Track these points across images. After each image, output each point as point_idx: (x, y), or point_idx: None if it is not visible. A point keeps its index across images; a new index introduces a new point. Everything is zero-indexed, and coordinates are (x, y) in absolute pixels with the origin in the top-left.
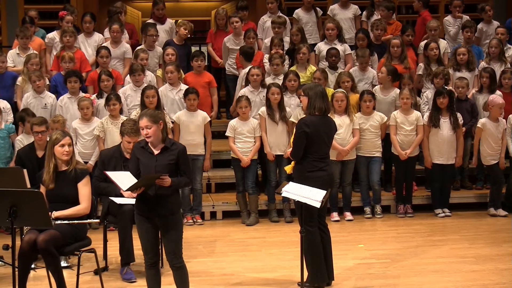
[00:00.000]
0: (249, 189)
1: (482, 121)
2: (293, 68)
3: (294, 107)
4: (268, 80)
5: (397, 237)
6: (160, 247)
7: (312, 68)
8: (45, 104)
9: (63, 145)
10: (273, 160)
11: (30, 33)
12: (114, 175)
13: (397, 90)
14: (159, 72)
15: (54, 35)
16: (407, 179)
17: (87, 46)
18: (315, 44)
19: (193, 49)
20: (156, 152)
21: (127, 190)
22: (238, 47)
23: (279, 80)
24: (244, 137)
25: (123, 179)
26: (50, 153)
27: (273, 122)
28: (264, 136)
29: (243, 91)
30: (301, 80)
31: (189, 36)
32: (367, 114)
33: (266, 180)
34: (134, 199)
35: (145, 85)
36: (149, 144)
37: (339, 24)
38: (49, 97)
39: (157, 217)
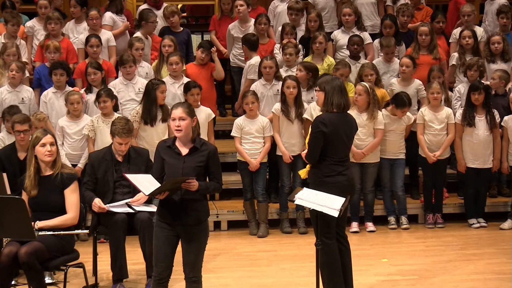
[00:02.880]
0: (259, 196)
1: (505, 118)
2: (308, 59)
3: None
4: (282, 72)
5: (425, 250)
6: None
7: (329, 59)
8: (22, 98)
9: (44, 145)
10: (290, 162)
11: (21, 20)
12: (135, 179)
13: (418, 81)
14: (154, 64)
15: (33, 23)
16: (437, 185)
17: (76, 34)
18: (331, 33)
19: (194, 37)
20: (184, 152)
21: (150, 195)
22: None
23: (293, 72)
24: (252, 137)
25: (145, 182)
26: (31, 155)
27: (288, 119)
28: (277, 135)
29: (254, 84)
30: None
31: (183, 15)
32: (394, 114)
33: (275, 185)
34: (130, 209)
35: (138, 77)
36: (177, 143)
37: (357, 10)
38: (26, 90)
39: (180, 225)
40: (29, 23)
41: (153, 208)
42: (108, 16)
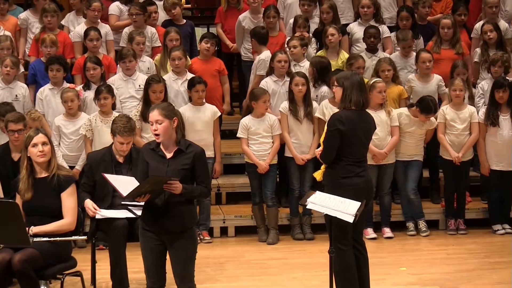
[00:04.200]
0: (268, 200)
1: None
2: (321, 52)
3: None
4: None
5: (446, 258)
6: (166, 270)
7: (344, 55)
8: (16, 95)
9: (35, 145)
10: (303, 164)
11: (5, 10)
12: (115, 180)
13: (438, 77)
14: (157, 58)
15: (27, 14)
16: (459, 188)
17: (76, 26)
18: (347, 25)
19: (198, 30)
20: (168, 155)
21: (128, 196)
22: None
23: (301, 68)
24: (259, 138)
25: (126, 184)
26: (24, 156)
27: (296, 119)
28: (287, 136)
29: (264, 81)
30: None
31: (187, 6)
32: (416, 116)
33: (285, 189)
34: (128, 212)
35: (138, 73)
36: (161, 146)
37: (376, 1)
38: (20, 87)
39: (165, 233)
40: (23, 15)
41: None
42: (115, 5)
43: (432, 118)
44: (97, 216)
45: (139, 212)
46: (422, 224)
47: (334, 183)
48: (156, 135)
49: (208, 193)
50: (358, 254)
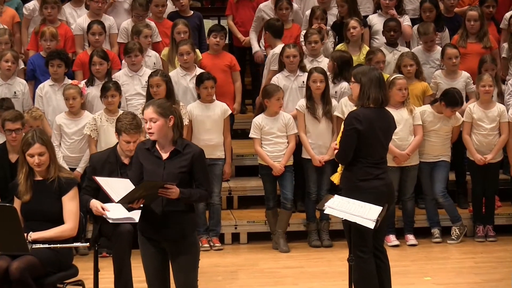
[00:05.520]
0: (288, 202)
1: None
2: (340, 46)
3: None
4: (306, 63)
5: (474, 267)
6: (169, 279)
7: (366, 49)
8: (15, 92)
9: (32, 155)
10: (321, 166)
11: (1, 1)
12: (106, 183)
13: (466, 74)
14: (164, 53)
15: (34, 4)
16: (487, 192)
17: (76, 19)
18: (366, 17)
19: (208, 23)
20: (164, 156)
21: (120, 202)
22: None
23: (319, 63)
24: (273, 138)
25: (119, 188)
26: (22, 158)
27: (314, 118)
28: (303, 136)
29: (276, 77)
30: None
31: None
32: (440, 112)
33: (301, 192)
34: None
35: (145, 69)
36: (157, 146)
37: None
38: (19, 83)
39: (165, 240)
40: (30, 5)
41: None
42: None
43: (458, 114)
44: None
45: (111, 218)
46: (455, 229)
47: (351, 186)
48: (151, 133)
49: (208, 196)
50: (379, 262)
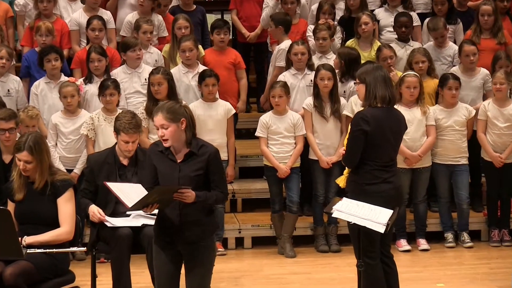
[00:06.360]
0: (294, 205)
1: None
2: (350, 43)
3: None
4: (314, 60)
5: (489, 273)
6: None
7: (378, 44)
8: (8, 90)
9: (19, 159)
10: (328, 167)
11: None
12: (118, 189)
13: (485, 71)
14: (165, 50)
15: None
16: (503, 194)
17: (71, 13)
18: (372, 11)
19: (211, 17)
20: (179, 159)
21: (132, 208)
22: None
23: (327, 60)
24: (280, 138)
25: (131, 193)
26: (16, 159)
27: (322, 117)
28: (311, 136)
29: (282, 75)
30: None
31: None
32: (450, 106)
33: (308, 195)
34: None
35: (144, 65)
36: (171, 148)
37: None
38: (13, 80)
39: (181, 243)
40: (21, 0)
41: None
42: None
43: (468, 106)
44: (108, 224)
45: (146, 221)
46: (465, 235)
47: (358, 190)
48: (165, 140)
49: (224, 198)
50: (386, 268)
